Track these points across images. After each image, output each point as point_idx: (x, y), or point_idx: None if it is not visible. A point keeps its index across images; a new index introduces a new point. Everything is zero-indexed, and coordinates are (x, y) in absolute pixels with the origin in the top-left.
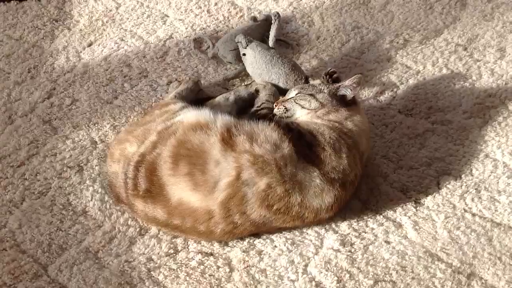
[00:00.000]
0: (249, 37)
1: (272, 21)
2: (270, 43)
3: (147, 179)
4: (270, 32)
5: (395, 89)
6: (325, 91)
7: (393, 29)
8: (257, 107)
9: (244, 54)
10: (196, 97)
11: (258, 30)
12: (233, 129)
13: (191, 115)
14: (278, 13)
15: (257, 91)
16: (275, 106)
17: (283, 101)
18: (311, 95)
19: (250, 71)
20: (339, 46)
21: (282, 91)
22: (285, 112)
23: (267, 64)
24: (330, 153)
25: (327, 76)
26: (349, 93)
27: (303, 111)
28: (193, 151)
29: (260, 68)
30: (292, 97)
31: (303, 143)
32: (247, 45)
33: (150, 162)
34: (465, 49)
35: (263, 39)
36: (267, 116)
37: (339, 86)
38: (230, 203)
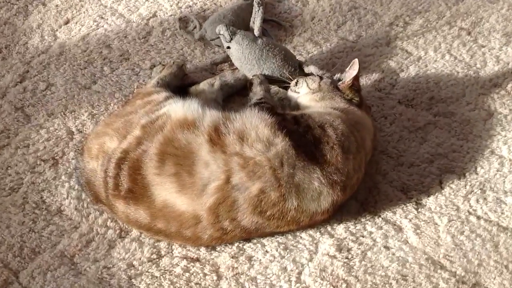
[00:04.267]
0: (232, 27)
1: (256, 9)
2: (256, 33)
3: (130, 178)
4: (254, 21)
5: (394, 77)
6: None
7: (392, 10)
8: (258, 100)
9: (228, 48)
10: (181, 82)
11: (249, 9)
12: (221, 128)
13: (178, 108)
14: None
15: (250, 84)
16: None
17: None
18: (319, 77)
19: (238, 65)
20: (335, 28)
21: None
22: (294, 85)
23: (258, 60)
24: (338, 153)
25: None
26: (341, 76)
27: (304, 89)
28: (180, 151)
29: (250, 64)
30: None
31: (309, 139)
32: (232, 39)
33: (134, 160)
34: (469, 33)
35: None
36: (272, 109)
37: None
38: (219, 209)
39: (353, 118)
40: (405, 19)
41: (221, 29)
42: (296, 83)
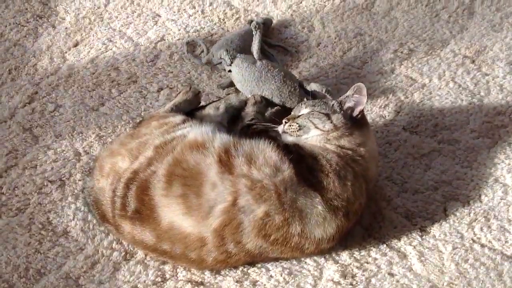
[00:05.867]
0: (233, 52)
1: (254, 33)
2: (255, 55)
3: (138, 199)
4: (252, 45)
5: (399, 104)
6: (337, 108)
7: (397, 37)
8: (248, 121)
9: (229, 71)
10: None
11: None
12: (232, 150)
13: (192, 133)
14: (258, 24)
15: (245, 103)
16: (285, 123)
17: (294, 118)
18: (326, 114)
19: (239, 88)
20: (341, 54)
21: (276, 105)
22: (298, 130)
23: (257, 81)
24: (334, 179)
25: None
26: (352, 104)
27: (316, 131)
28: (188, 172)
29: (250, 86)
30: (305, 114)
31: (303, 166)
32: (232, 62)
33: (143, 180)
34: (473, 61)
35: (261, 44)
36: (264, 132)
37: (342, 99)
38: (224, 231)
39: (358, 153)
40: (409, 46)
41: (222, 54)
42: (300, 127)
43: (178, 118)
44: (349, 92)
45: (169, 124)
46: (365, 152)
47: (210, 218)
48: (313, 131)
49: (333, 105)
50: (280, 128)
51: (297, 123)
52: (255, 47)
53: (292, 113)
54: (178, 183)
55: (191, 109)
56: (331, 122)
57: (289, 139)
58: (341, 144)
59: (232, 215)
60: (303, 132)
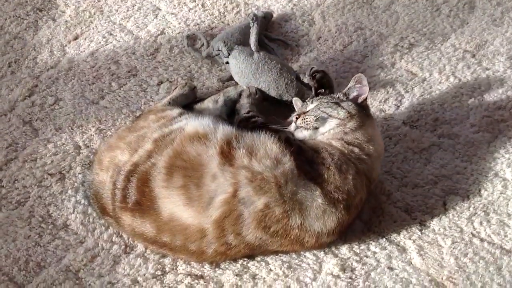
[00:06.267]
0: (230, 43)
1: (251, 25)
2: (252, 47)
3: (138, 190)
4: (250, 37)
5: (399, 98)
6: (343, 98)
7: (398, 31)
8: (245, 113)
9: (227, 63)
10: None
11: None
12: (233, 142)
13: (191, 123)
14: (256, 15)
15: (239, 95)
16: (296, 118)
17: (304, 113)
18: (335, 103)
19: (237, 79)
20: (341, 48)
21: (274, 97)
22: (315, 121)
23: (254, 73)
24: (335, 172)
25: (311, 77)
26: (356, 94)
27: (333, 121)
28: (189, 163)
29: (247, 77)
30: (313, 107)
31: (303, 159)
32: (229, 54)
33: (143, 172)
34: (473, 56)
35: (262, 38)
36: (264, 124)
37: (345, 91)
38: (224, 222)
39: (365, 151)
40: (410, 41)
41: (220, 45)
42: (316, 118)
43: (175, 111)
44: (350, 84)
45: (166, 118)
46: (373, 151)
47: (210, 209)
48: (329, 122)
49: (338, 97)
50: (292, 127)
51: (312, 115)
52: (252, 39)
53: (298, 110)
54: (179, 174)
55: (188, 103)
56: (343, 108)
57: (305, 133)
58: (353, 139)
59: (232, 206)
60: (319, 124)
